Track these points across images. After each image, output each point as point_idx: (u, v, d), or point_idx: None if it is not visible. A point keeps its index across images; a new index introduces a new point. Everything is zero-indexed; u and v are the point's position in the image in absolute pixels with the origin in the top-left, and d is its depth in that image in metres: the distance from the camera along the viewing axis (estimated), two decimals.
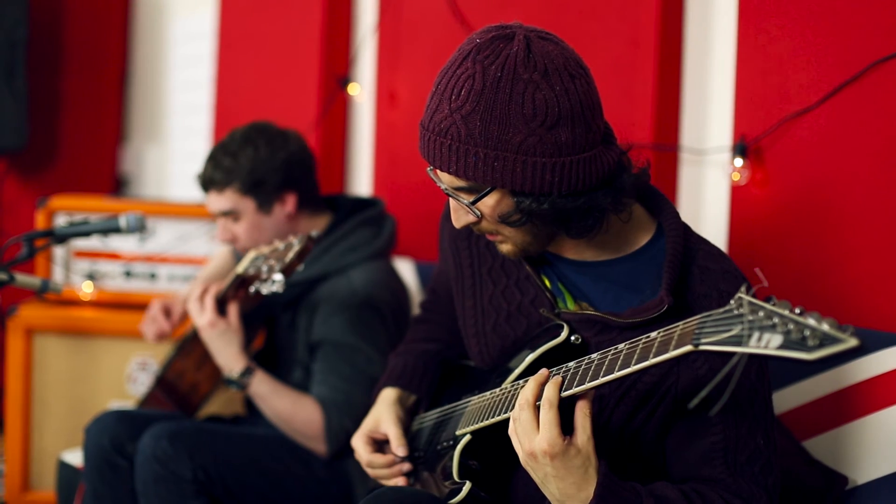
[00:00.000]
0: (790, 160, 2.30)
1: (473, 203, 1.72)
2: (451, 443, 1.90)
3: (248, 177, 2.69)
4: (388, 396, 2.17)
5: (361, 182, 3.88)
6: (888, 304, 2.11)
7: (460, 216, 1.78)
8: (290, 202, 2.75)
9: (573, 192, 1.69)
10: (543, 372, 1.68)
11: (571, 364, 1.67)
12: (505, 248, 1.82)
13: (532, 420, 1.63)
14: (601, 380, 1.58)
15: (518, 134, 1.65)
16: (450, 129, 1.68)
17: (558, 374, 1.67)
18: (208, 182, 2.73)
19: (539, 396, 1.64)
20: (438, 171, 1.75)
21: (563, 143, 1.67)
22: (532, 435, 1.62)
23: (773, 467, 1.73)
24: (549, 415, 1.61)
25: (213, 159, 2.72)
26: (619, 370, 1.56)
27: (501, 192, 1.71)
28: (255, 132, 2.75)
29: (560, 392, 1.63)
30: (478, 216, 1.75)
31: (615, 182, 1.73)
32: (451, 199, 1.78)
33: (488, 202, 1.72)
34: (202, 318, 2.64)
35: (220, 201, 2.73)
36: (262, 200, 2.71)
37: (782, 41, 2.31)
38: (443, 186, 1.77)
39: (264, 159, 2.70)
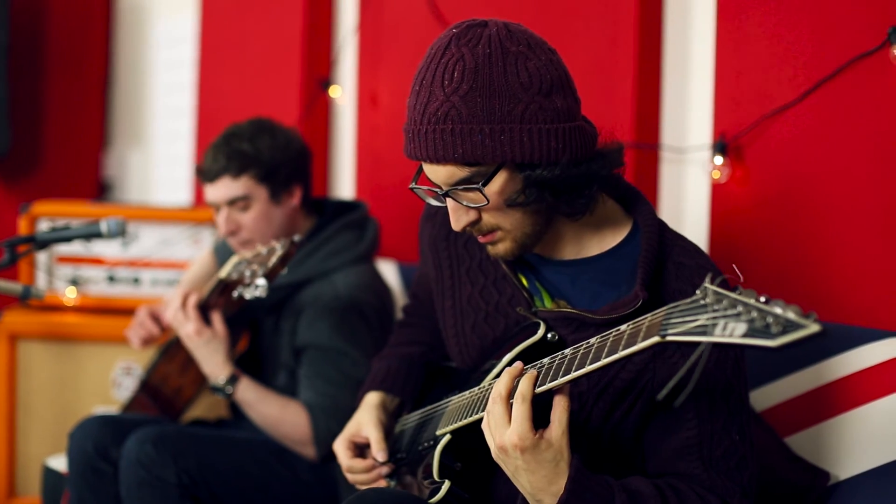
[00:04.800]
0: (769, 158, 2.31)
1: (484, 185, 1.69)
2: (432, 443, 1.90)
3: (266, 164, 2.70)
4: (371, 401, 2.16)
5: (344, 185, 3.88)
6: (868, 299, 2.12)
7: (460, 216, 1.76)
8: (297, 195, 2.77)
9: (576, 160, 1.71)
10: (518, 365, 1.67)
11: (545, 360, 1.67)
12: (502, 247, 1.79)
13: (504, 414, 1.62)
14: (573, 374, 1.58)
15: (519, 104, 1.66)
16: (449, 112, 1.67)
17: (533, 369, 1.67)
18: (222, 169, 2.69)
19: (512, 391, 1.64)
20: (434, 169, 1.72)
21: (560, 109, 1.69)
22: (503, 428, 1.62)
23: (748, 462, 1.73)
24: (521, 409, 1.60)
25: (228, 145, 2.70)
26: (590, 364, 1.56)
27: (509, 171, 1.70)
28: (265, 123, 2.77)
29: (534, 387, 1.62)
30: (485, 202, 1.71)
31: (607, 154, 1.75)
32: (448, 200, 1.76)
33: (496, 184, 1.70)
34: (187, 326, 2.62)
35: (233, 187, 2.70)
36: (274, 190, 2.72)
37: (760, 39, 2.32)
38: (430, 199, 1.76)
39: (280, 148, 2.72)
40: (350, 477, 2.08)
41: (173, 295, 2.69)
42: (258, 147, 2.70)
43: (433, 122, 1.68)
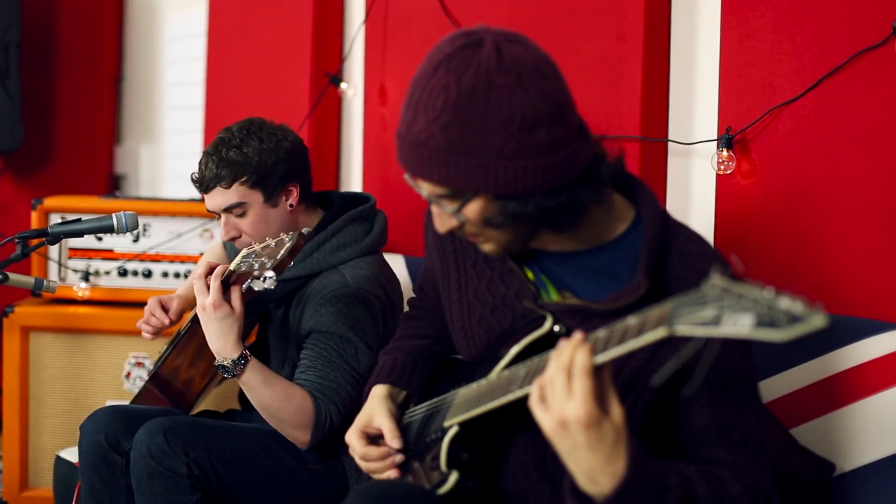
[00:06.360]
0: (775, 150, 2.32)
1: (457, 210, 1.73)
2: (440, 434, 1.91)
3: (256, 169, 2.69)
4: (378, 393, 2.17)
5: (353, 178, 3.90)
6: (874, 292, 2.13)
7: (444, 221, 1.79)
8: (293, 194, 2.77)
9: (555, 190, 1.70)
10: (579, 335, 1.58)
11: (600, 333, 1.57)
12: (487, 247, 1.83)
13: (566, 386, 1.53)
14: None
15: (497, 140, 1.65)
16: (428, 140, 1.68)
17: (588, 342, 1.57)
18: (214, 179, 2.70)
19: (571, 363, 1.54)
20: (419, 180, 1.76)
21: (542, 143, 1.67)
22: (565, 402, 1.52)
23: (765, 447, 1.73)
24: (586, 383, 1.51)
25: (217, 154, 2.70)
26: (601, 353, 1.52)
27: (485, 197, 1.71)
28: (254, 126, 2.75)
29: (593, 360, 1.53)
30: (461, 222, 1.75)
31: (594, 175, 1.74)
32: (433, 206, 1.79)
33: (472, 208, 1.72)
34: (207, 297, 2.50)
35: (226, 196, 2.71)
36: (268, 193, 2.72)
37: (766, 33, 2.32)
38: (424, 194, 1.77)
39: (270, 151, 2.71)
40: (365, 466, 2.08)
41: (195, 267, 2.64)
42: (246, 153, 2.69)
43: (415, 143, 1.70)
